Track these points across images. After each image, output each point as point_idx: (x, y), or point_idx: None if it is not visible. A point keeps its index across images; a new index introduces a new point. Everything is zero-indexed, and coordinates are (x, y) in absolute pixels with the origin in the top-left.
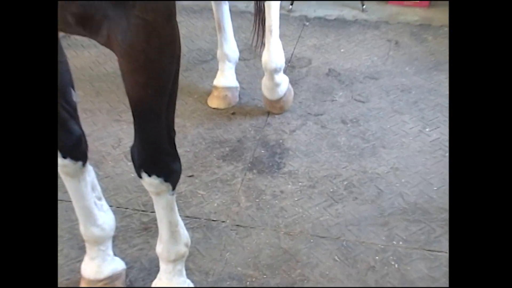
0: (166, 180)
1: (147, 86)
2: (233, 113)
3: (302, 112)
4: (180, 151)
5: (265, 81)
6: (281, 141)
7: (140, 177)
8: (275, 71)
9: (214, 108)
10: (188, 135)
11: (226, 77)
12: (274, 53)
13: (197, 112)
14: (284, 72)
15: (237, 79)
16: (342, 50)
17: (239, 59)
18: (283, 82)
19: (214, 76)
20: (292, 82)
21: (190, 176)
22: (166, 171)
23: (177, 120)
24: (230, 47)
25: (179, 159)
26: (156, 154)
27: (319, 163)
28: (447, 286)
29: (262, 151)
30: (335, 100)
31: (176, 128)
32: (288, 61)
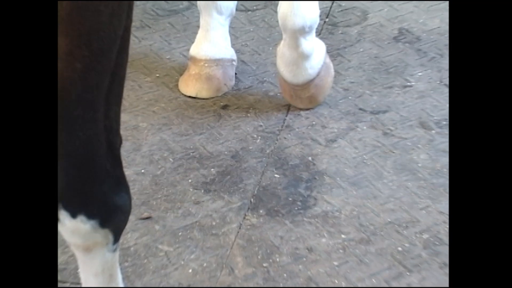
0: (103, 225)
1: (73, 57)
2: (225, 107)
3: (349, 106)
4: (129, 172)
5: (283, 51)
6: (310, 158)
7: (58, 217)
8: (302, 31)
9: (190, 97)
10: (144, 144)
11: (212, 43)
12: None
13: (160, 104)
14: (318, 34)
15: (234, 45)
16: None
17: (237, 9)
18: (316, 52)
19: (190, 40)
20: (332, 53)
21: (146, 219)
22: (104, 209)
23: (124, 118)
24: None
25: (128, 186)
26: (86, 177)
27: (379, 200)
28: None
29: (276, 176)
30: (410, 85)
31: (123, 132)
32: (325, 15)
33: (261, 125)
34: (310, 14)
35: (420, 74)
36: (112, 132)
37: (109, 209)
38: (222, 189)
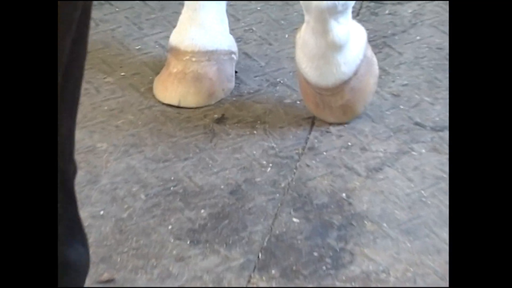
0: None
1: None
2: (220, 120)
3: (401, 120)
4: (82, 214)
5: (306, 39)
6: (343, 195)
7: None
8: (332, 11)
9: (170, 106)
10: (104, 174)
11: (202, 27)
12: None
13: (126, 116)
14: (355, 15)
15: (233, 31)
16: None
17: None
18: (353, 41)
19: (169, 24)
20: (376, 42)
21: (107, 282)
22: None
23: (76, 136)
24: None
25: (84, 235)
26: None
27: (444, 256)
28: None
29: (295, 221)
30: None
31: (77, 156)
32: None
33: (273, 147)
34: None
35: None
36: (63, 156)
37: (59, 266)
38: (216, 239)
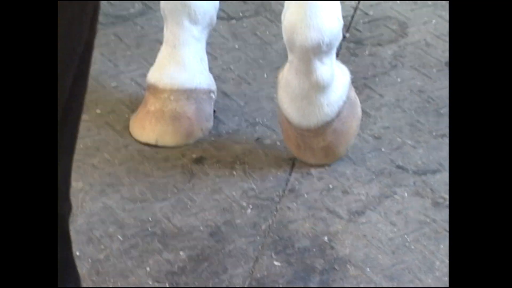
0: None
1: None
2: (199, 161)
3: (383, 163)
4: None
5: (288, 79)
6: (325, 238)
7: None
8: (317, 51)
9: (148, 146)
10: (80, 214)
11: (182, 65)
12: (315, 1)
13: (102, 154)
14: (336, 56)
15: (211, 70)
16: None
17: (218, 16)
18: (336, 82)
19: (146, 61)
20: (356, 84)
21: None
22: None
23: None
24: None
25: (79, 279)
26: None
27: None
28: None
29: (276, 264)
30: None
31: None
32: (345, 28)
33: (253, 189)
34: (330, 24)
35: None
36: (60, 195)
37: None
38: (196, 282)
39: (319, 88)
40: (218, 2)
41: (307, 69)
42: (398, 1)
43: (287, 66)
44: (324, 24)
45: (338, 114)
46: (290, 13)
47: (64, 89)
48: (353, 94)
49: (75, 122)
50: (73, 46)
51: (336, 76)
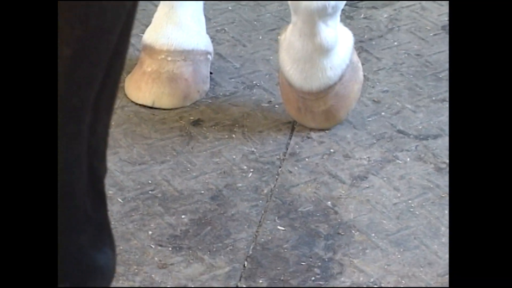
0: None
1: (61, 38)
2: (197, 123)
3: (384, 127)
4: None
5: (292, 41)
6: (329, 203)
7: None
8: (322, 13)
9: (144, 107)
10: None
11: (179, 26)
12: None
13: None
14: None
15: (206, 31)
16: None
17: None
18: (340, 45)
19: (143, 21)
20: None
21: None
22: (78, 270)
23: None
24: None
25: (113, 239)
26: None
27: (436, 268)
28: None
29: (280, 228)
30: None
31: None
32: None
33: (253, 152)
34: None
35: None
36: (97, 156)
37: (85, 271)
38: (200, 246)
39: (323, 51)
40: None
41: (311, 31)
42: None
43: (290, 28)
44: None
45: (341, 78)
46: None
47: (110, 45)
48: (356, 58)
49: (116, 80)
50: (122, 0)
51: (339, 39)
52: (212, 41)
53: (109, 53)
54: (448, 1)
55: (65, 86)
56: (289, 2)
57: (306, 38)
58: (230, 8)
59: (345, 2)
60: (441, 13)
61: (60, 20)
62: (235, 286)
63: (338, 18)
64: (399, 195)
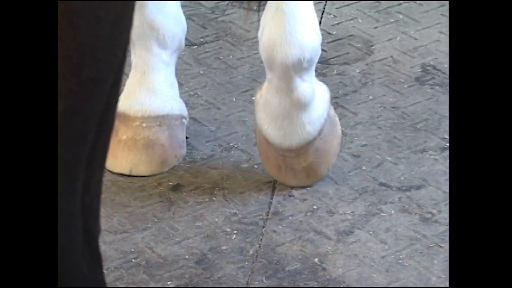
0: None
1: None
2: (176, 188)
3: (365, 181)
4: None
5: (268, 98)
6: (316, 260)
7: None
8: (298, 68)
9: (122, 175)
10: None
11: (152, 91)
12: (294, 16)
13: None
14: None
15: (183, 93)
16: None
17: (188, 40)
18: (317, 100)
19: None
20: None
21: None
22: None
23: None
24: (163, 11)
25: None
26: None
27: None
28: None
29: None
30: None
31: None
32: None
33: (235, 213)
34: (310, 39)
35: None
36: (92, 214)
37: None
38: None
39: (301, 106)
40: (186, 25)
41: (288, 87)
42: (360, 20)
43: (265, 86)
44: (304, 39)
45: (320, 133)
46: (268, 30)
47: (102, 96)
48: (333, 112)
49: (108, 134)
50: (114, 48)
51: (316, 94)
52: (186, 106)
53: (102, 106)
54: (419, 54)
55: (58, 142)
56: (263, 58)
57: (283, 94)
58: (201, 72)
59: (319, 55)
60: (413, 65)
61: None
62: None
63: (313, 72)
64: (386, 247)
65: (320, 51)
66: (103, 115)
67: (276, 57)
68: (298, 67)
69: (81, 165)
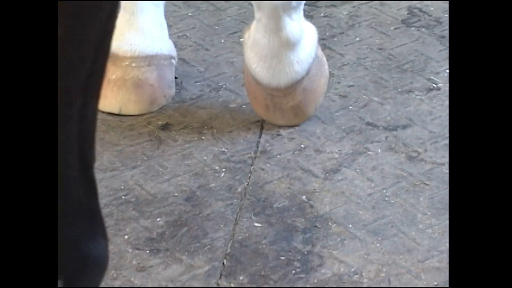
0: None
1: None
2: (165, 127)
3: (352, 120)
4: None
5: (256, 38)
6: (303, 197)
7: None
8: (287, 7)
9: (111, 115)
10: None
11: (141, 31)
12: None
13: None
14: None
15: (172, 35)
16: None
17: None
18: (305, 39)
19: None
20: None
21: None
22: (71, 262)
23: None
24: None
25: (105, 227)
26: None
27: (416, 255)
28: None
29: (257, 225)
30: (437, 87)
31: None
32: None
33: (223, 152)
34: None
35: (448, 71)
36: (87, 141)
37: (79, 262)
38: (177, 247)
39: (289, 45)
40: None
41: (276, 26)
42: None
43: (253, 25)
44: None
45: (308, 72)
46: None
47: (101, 19)
48: (320, 52)
49: (104, 61)
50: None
51: (304, 33)
52: (175, 47)
53: (99, 32)
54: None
55: (58, 69)
56: None
57: (271, 33)
58: (190, 14)
59: None
60: (400, 7)
61: None
62: (215, 284)
63: (301, 11)
64: (373, 185)
65: None
66: (100, 41)
67: None
68: (286, 6)
69: (77, 92)
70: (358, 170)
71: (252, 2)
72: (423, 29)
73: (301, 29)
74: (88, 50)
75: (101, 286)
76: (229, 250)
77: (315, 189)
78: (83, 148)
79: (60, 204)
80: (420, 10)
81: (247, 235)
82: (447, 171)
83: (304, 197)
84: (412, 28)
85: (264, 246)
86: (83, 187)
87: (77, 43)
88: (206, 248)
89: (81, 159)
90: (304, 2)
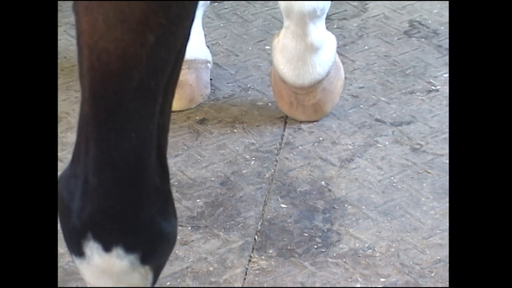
0: (144, 261)
1: (147, 27)
2: (202, 121)
3: (363, 117)
4: None
5: (285, 43)
6: (323, 182)
7: (80, 252)
8: (313, 15)
9: None
10: None
11: None
12: None
13: None
14: None
15: (207, 42)
16: None
17: None
18: (326, 45)
19: None
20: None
21: None
22: (148, 239)
23: (71, 138)
24: None
25: (175, 208)
26: (132, 197)
27: (421, 233)
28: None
29: (283, 206)
30: (435, 89)
31: (69, 156)
32: None
33: (253, 143)
34: None
35: (446, 75)
36: (163, 133)
37: (154, 239)
38: (215, 224)
39: (313, 49)
40: None
41: (303, 32)
42: None
43: (282, 32)
44: None
45: (327, 74)
46: None
47: (185, 29)
48: (338, 58)
49: (181, 64)
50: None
51: (326, 40)
52: (210, 53)
53: (183, 39)
54: (407, 11)
55: (145, 71)
56: (282, 8)
57: (298, 38)
58: (221, 25)
59: (330, 4)
60: (402, 21)
61: (147, 7)
62: (248, 257)
63: (324, 20)
64: (382, 173)
65: (330, 2)
66: (182, 47)
67: (293, 6)
68: (312, 15)
69: (160, 91)
70: (369, 160)
71: (282, 11)
72: (422, 39)
73: (324, 36)
74: (173, 55)
75: None
76: (259, 227)
77: (332, 176)
78: (160, 139)
79: (143, 188)
80: (420, 23)
81: (274, 214)
82: (447, 161)
83: (323, 182)
84: (413, 39)
85: (289, 224)
86: (159, 174)
87: (165, 49)
88: (239, 225)
89: (158, 149)
90: (326, 12)
